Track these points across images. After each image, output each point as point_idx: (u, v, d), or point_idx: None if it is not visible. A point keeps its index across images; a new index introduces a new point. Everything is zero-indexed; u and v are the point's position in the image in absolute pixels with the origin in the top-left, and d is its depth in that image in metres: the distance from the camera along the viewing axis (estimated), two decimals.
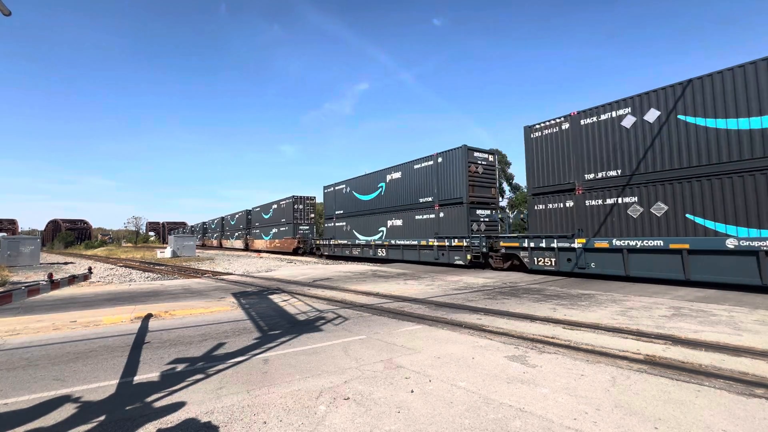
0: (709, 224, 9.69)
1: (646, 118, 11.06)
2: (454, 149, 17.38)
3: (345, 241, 25.16)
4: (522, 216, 18.18)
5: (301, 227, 33.66)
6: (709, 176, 9.74)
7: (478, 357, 4.68)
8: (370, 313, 7.54)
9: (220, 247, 57.73)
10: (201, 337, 5.95)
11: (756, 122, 9.11)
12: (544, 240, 13.29)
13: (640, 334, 5.54)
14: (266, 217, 39.88)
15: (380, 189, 22.17)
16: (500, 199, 22.70)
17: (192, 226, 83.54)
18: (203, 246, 64.71)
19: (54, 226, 79.06)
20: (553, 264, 13.02)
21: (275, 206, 37.62)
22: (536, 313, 7.18)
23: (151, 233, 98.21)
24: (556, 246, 12.93)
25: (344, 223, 25.53)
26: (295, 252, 32.43)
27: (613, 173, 11.76)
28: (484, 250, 15.55)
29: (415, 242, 19.01)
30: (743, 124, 9.30)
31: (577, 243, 12.32)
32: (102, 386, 3.96)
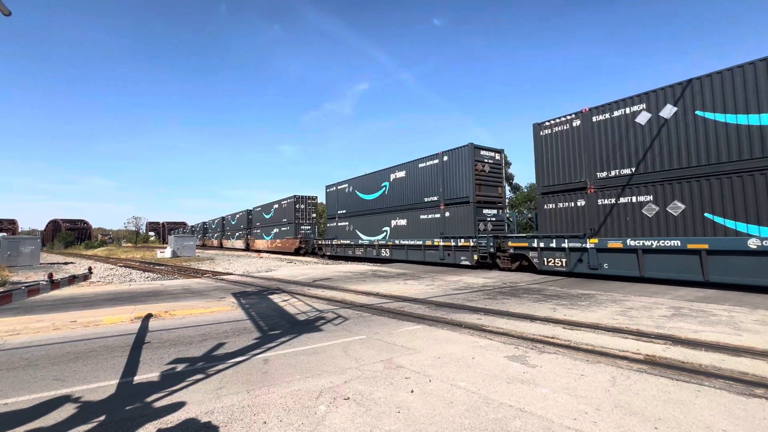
0: (730, 224, 9.42)
1: (661, 114, 10.78)
2: (461, 147, 17.15)
3: (348, 241, 24.92)
4: (528, 215, 18.12)
5: (302, 227, 33.46)
6: (729, 174, 9.47)
7: (478, 357, 4.68)
8: (370, 313, 7.54)
9: (221, 247, 57.66)
10: (201, 337, 5.95)
11: None
12: (554, 240, 13.00)
13: (640, 334, 5.54)
14: (267, 216, 39.72)
15: (384, 188, 21.90)
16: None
17: (192, 226, 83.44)
18: (203, 246, 64.64)
19: (54, 226, 79.10)
20: (564, 264, 12.71)
21: (276, 206, 37.47)
22: (536, 313, 7.18)
23: (151, 233, 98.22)
24: (567, 246, 12.63)
25: (347, 223, 25.31)
26: (296, 252, 32.29)
27: (626, 171, 11.49)
28: (492, 250, 15.32)
29: (420, 242, 18.80)
30: (766, 120, 9.03)
31: (590, 243, 12.00)
32: (102, 386, 3.97)
